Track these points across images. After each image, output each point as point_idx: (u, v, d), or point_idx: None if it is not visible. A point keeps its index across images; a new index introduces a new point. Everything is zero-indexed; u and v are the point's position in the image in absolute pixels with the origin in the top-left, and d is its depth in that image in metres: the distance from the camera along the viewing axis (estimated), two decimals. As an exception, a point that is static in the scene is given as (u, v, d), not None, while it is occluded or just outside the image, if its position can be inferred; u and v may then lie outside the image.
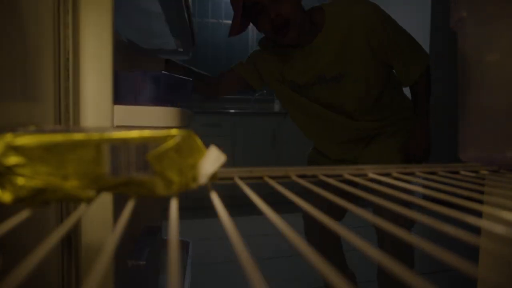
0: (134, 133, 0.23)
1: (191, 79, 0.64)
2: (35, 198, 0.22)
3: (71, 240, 0.47)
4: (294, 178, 0.30)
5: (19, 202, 0.21)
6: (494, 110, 0.36)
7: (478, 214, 0.24)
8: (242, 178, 0.30)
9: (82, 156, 0.22)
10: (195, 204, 2.91)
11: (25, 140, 0.21)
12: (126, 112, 0.49)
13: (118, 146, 0.23)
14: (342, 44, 1.09)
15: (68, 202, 0.46)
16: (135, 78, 0.53)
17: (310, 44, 1.12)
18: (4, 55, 0.33)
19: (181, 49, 1.15)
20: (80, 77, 0.46)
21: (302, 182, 0.29)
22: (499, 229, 0.17)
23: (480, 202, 0.23)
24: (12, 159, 0.21)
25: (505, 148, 0.34)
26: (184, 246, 1.22)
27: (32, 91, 0.39)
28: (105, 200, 0.48)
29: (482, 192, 0.25)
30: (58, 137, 0.22)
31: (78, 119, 0.46)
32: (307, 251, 0.15)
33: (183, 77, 0.59)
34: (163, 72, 0.56)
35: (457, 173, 0.34)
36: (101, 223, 0.47)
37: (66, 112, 0.45)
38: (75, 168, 0.22)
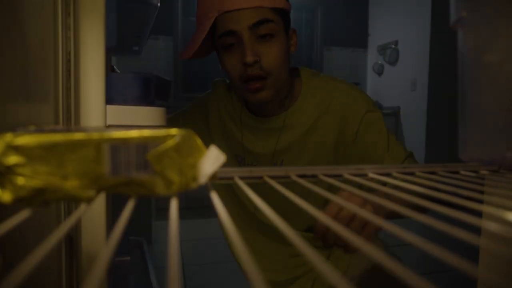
0: (134, 133, 0.23)
1: (170, 80, 0.65)
2: (35, 198, 0.22)
3: (72, 240, 0.47)
4: (294, 178, 0.30)
5: (19, 202, 0.21)
6: (494, 110, 0.36)
7: (478, 214, 0.24)
8: (242, 178, 0.30)
9: (82, 156, 0.22)
10: (195, 204, 2.90)
11: (25, 139, 0.21)
12: (118, 112, 0.50)
13: (118, 145, 0.22)
14: (308, 129, 0.82)
15: (69, 202, 0.46)
16: (126, 79, 0.54)
17: (279, 115, 0.83)
18: (4, 55, 0.33)
19: (136, 48, 1.07)
20: (80, 77, 0.46)
21: (302, 182, 0.29)
22: (499, 229, 0.17)
23: (480, 202, 0.23)
24: (12, 159, 0.21)
25: (505, 148, 0.34)
26: (138, 245, 1.20)
27: (32, 91, 0.39)
28: (104, 200, 0.48)
29: (482, 192, 0.25)
30: (58, 137, 0.22)
31: (79, 119, 0.47)
32: (308, 251, 0.15)
33: (164, 77, 0.60)
34: (154, 74, 0.57)
35: (457, 173, 0.34)
36: (101, 224, 0.47)
37: (67, 112, 0.45)
38: (75, 168, 0.22)
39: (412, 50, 3.56)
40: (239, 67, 0.75)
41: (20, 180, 0.21)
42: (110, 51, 1.09)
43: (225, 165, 0.25)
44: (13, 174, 0.21)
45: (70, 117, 0.45)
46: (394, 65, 3.82)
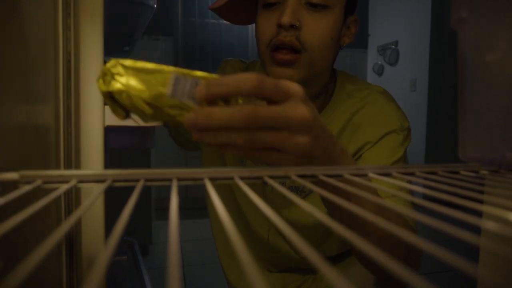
0: (190, 71, 0.34)
1: None
2: (116, 96, 0.33)
3: (72, 240, 0.47)
4: (294, 178, 0.30)
5: (105, 96, 0.33)
6: (494, 110, 0.36)
7: (478, 214, 0.24)
8: (242, 178, 0.30)
9: (156, 78, 0.33)
10: (195, 204, 2.90)
11: (127, 62, 0.33)
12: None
13: (180, 77, 0.33)
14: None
15: (69, 202, 0.46)
16: None
17: None
18: (5, 55, 0.33)
19: (127, 48, 1.05)
20: (80, 78, 0.47)
21: (303, 182, 0.29)
22: (499, 229, 0.17)
23: (480, 202, 0.23)
24: (116, 69, 0.33)
25: (505, 148, 0.34)
26: (128, 246, 1.19)
27: (33, 91, 0.39)
28: (103, 201, 0.48)
29: (482, 192, 0.25)
30: (148, 65, 0.33)
31: (79, 119, 0.47)
32: (309, 251, 0.15)
33: None
34: None
35: (457, 173, 0.34)
36: (100, 224, 0.47)
37: (68, 112, 0.45)
38: (148, 86, 0.33)
39: (412, 51, 3.57)
40: (271, 29, 0.60)
41: (115, 83, 0.33)
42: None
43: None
44: (113, 79, 0.33)
45: (71, 117, 0.45)
46: (394, 66, 3.82)
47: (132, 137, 0.57)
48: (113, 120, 0.50)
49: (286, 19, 0.57)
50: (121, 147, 0.56)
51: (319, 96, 0.69)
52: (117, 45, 1.01)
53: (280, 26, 0.58)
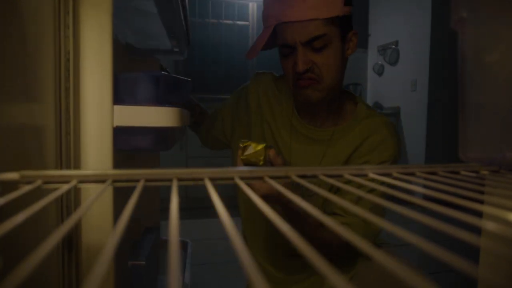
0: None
1: (189, 79, 0.64)
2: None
3: (72, 241, 0.47)
4: (294, 178, 0.30)
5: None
6: (494, 110, 0.36)
7: (479, 214, 0.24)
8: (242, 178, 0.30)
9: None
10: (195, 204, 2.91)
11: None
12: (126, 112, 0.49)
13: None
14: (348, 158, 0.88)
15: (68, 202, 0.46)
16: (134, 78, 0.53)
17: (329, 128, 0.89)
18: (4, 55, 0.33)
19: (176, 49, 1.08)
20: (80, 77, 0.46)
21: (303, 182, 0.29)
22: (499, 229, 0.17)
23: (481, 202, 0.23)
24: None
25: (505, 148, 0.34)
26: (183, 246, 1.22)
27: (31, 91, 0.39)
28: (106, 199, 0.48)
29: (482, 192, 0.25)
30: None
31: (79, 119, 0.46)
32: (309, 251, 0.15)
33: (181, 77, 0.60)
34: (163, 72, 0.56)
35: (457, 173, 0.34)
36: (101, 223, 0.47)
37: (66, 112, 0.45)
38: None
39: (412, 50, 3.56)
40: (292, 73, 0.81)
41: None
42: (162, 53, 1.08)
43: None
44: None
45: (69, 117, 0.45)
46: (395, 65, 3.82)
47: (147, 138, 0.54)
48: (122, 120, 0.49)
49: (299, 68, 0.78)
50: (134, 148, 0.53)
51: (339, 112, 0.90)
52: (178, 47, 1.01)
53: (297, 73, 0.79)
